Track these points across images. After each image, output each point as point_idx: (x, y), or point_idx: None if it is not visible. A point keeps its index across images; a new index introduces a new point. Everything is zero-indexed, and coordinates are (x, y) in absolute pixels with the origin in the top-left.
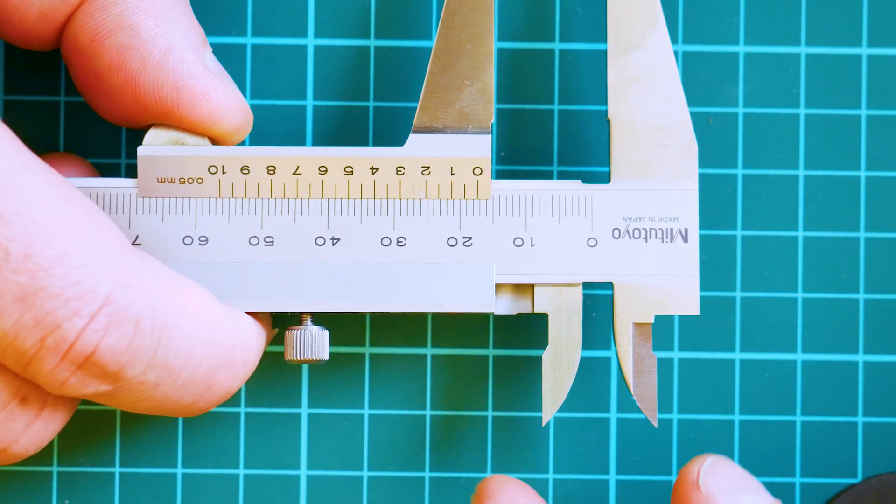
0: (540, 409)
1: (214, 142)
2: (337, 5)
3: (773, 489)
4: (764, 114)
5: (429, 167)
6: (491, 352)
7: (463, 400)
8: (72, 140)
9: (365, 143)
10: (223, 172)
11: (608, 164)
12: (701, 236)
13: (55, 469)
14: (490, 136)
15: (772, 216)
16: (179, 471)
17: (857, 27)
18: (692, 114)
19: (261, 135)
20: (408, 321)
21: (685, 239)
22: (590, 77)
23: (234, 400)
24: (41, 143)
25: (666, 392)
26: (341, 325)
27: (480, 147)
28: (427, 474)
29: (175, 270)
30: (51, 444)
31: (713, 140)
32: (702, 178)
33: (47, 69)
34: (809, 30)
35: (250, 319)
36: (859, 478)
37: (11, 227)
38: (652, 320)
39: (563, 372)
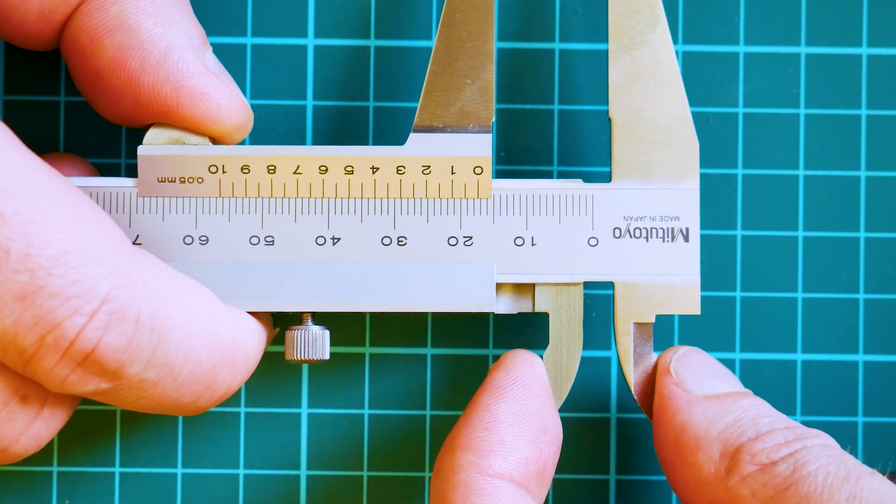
0: None
1: (215, 141)
2: (337, 5)
3: None
4: (764, 114)
5: (429, 166)
6: (491, 352)
7: (463, 400)
8: (72, 140)
9: (365, 143)
10: (223, 172)
11: (608, 163)
12: (701, 236)
13: (55, 469)
14: (491, 134)
15: (772, 216)
16: (179, 471)
17: (857, 27)
18: (692, 114)
19: (261, 135)
20: (408, 321)
21: (686, 238)
22: (590, 77)
23: (234, 400)
24: (41, 143)
25: None
26: (341, 325)
27: (481, 146)
28: (427, 474)
29: (176, 270)
30: (51, 444)
31: (713, 140)
32: (702, 178)
33: (47, 69)
34: (809, 30)
35: (251, 319)
36: None
37: (11, 227)
38: (653, 320)
39: (563, 372)
